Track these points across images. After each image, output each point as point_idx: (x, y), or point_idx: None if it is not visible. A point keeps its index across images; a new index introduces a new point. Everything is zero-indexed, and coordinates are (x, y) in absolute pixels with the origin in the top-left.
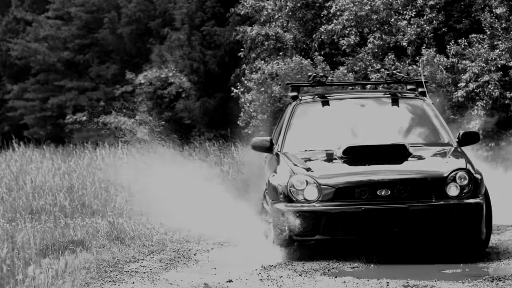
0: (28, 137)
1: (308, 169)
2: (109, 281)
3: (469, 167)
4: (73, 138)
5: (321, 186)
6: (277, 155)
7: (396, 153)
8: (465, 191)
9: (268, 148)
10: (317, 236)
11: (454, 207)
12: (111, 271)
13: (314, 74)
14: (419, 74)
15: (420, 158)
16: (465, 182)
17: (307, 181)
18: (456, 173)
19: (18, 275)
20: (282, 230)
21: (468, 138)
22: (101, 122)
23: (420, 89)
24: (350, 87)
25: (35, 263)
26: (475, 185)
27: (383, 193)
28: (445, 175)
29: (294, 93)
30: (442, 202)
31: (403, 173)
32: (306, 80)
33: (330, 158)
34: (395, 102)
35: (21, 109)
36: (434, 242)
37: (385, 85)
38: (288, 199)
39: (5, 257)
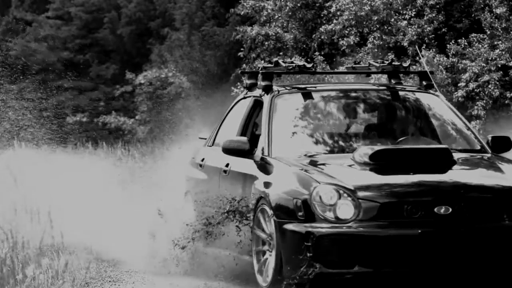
0: (27, 136)
1: (333, 178)
2: (109, 281)
3: None
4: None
5: (359, 200)
6: (263, 160)
7: (439, 159)
8: None
9: (247, 151)
10: (356, 268)
11: None
12: (111, 271)
13: (276, 59)
14: None
15: (470, 166)
16: None
17: (339, 194)
18: None
19: (18, 275)
20: (302, 261)
21: (500, 144)
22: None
23: (425, 82)
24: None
25: (35, 263)
26: None
27: (442, 211)
28: None
29: (267, 83)
30: None
31: (466, 185)
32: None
33: (350, 164)
34: (398, 96)
35: (20, 109)
36: (500, 274)
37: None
38: (311, 217)
39: (5, 257)
